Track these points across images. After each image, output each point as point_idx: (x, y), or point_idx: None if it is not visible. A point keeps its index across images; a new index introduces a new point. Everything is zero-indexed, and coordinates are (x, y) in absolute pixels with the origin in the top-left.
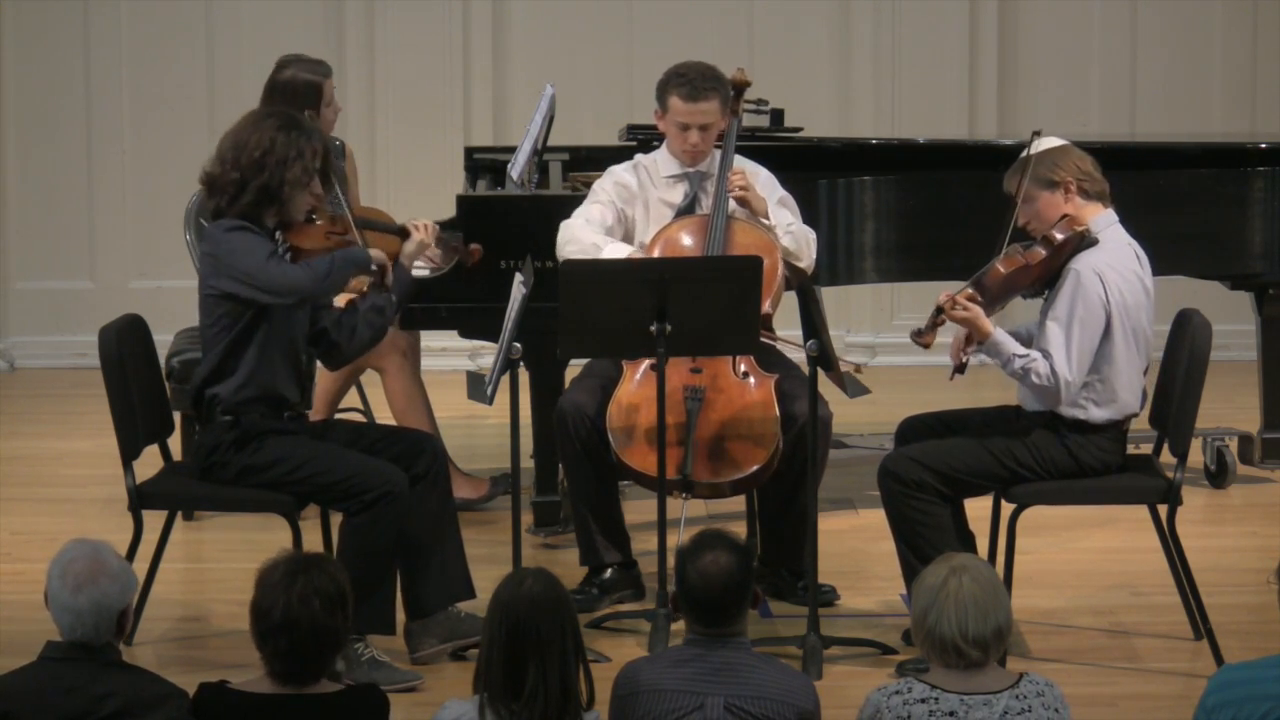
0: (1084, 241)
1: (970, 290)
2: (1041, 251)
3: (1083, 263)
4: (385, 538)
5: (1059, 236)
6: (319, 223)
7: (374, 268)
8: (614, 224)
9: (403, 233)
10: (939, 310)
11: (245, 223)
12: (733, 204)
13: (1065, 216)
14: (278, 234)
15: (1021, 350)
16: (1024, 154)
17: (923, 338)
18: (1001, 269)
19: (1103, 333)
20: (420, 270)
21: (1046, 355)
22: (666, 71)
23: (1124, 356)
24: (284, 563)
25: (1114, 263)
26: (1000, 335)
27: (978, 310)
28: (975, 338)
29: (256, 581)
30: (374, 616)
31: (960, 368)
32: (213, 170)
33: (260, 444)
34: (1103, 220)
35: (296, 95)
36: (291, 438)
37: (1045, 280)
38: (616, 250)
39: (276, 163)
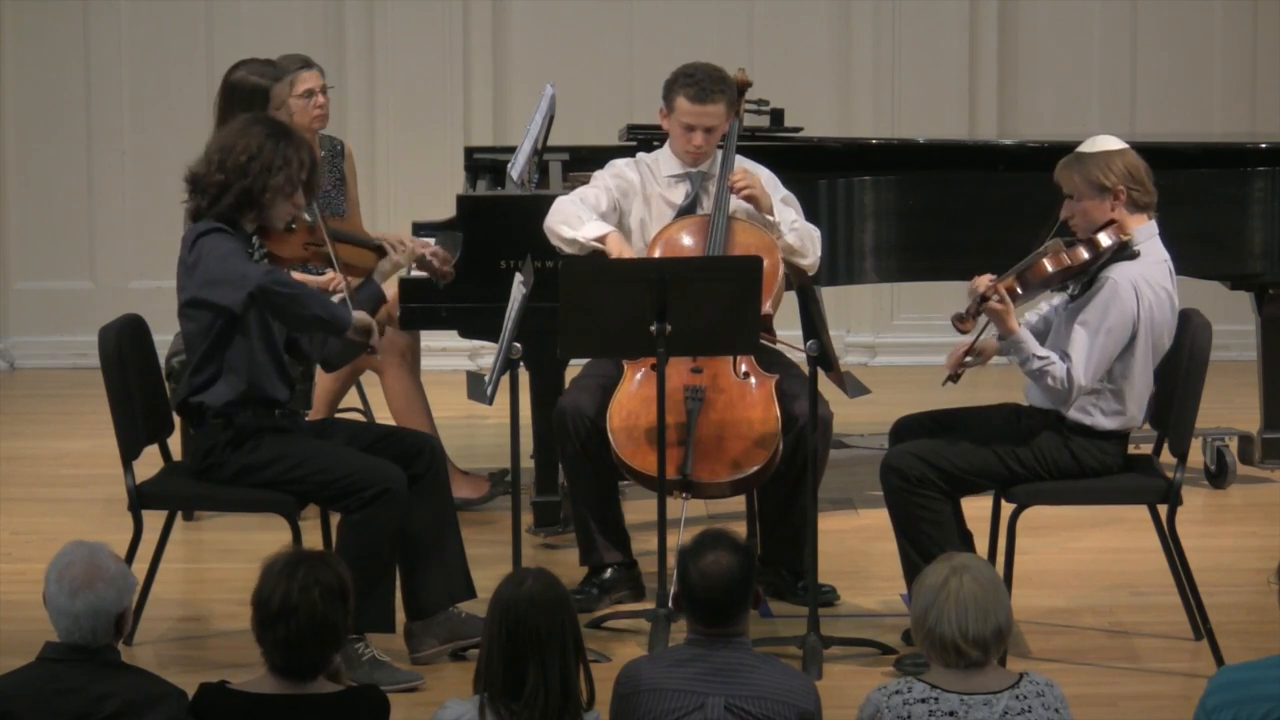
0: (1126, 253)
1: (1013, 282)
2: (1084, 254)
3: (1122, 274)
4: (384, 535)
5: (1105, 243)
6: (297, 232)
7: (356, 323)
8: (608, 210)
9: (379, 250)
10: (983, 298)
11: (219, 225)
12: (738, 201)
13: (1112, 223)
14: (254, 239)
15: (1041, 351)
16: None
17: (964, 324)
18: (1049, 267)
19: (1126, 345)
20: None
21: (1065, 358)
22: (675, 71)
23: (1140, 373)
24: (286, 554)
25: (1151, 279)
26: (1024, 334)
27: (1010, 305)
28: (999, 331)
29: (259, 574)
30: (374, 615)
31: (955, 377)
32: (198, 170)
33: (257, 443)
34: (1145, 232)
35: (243, 98)
36: (288, 436)
37: (1075, 278)
38: (595, 227)
39: (261, 169)
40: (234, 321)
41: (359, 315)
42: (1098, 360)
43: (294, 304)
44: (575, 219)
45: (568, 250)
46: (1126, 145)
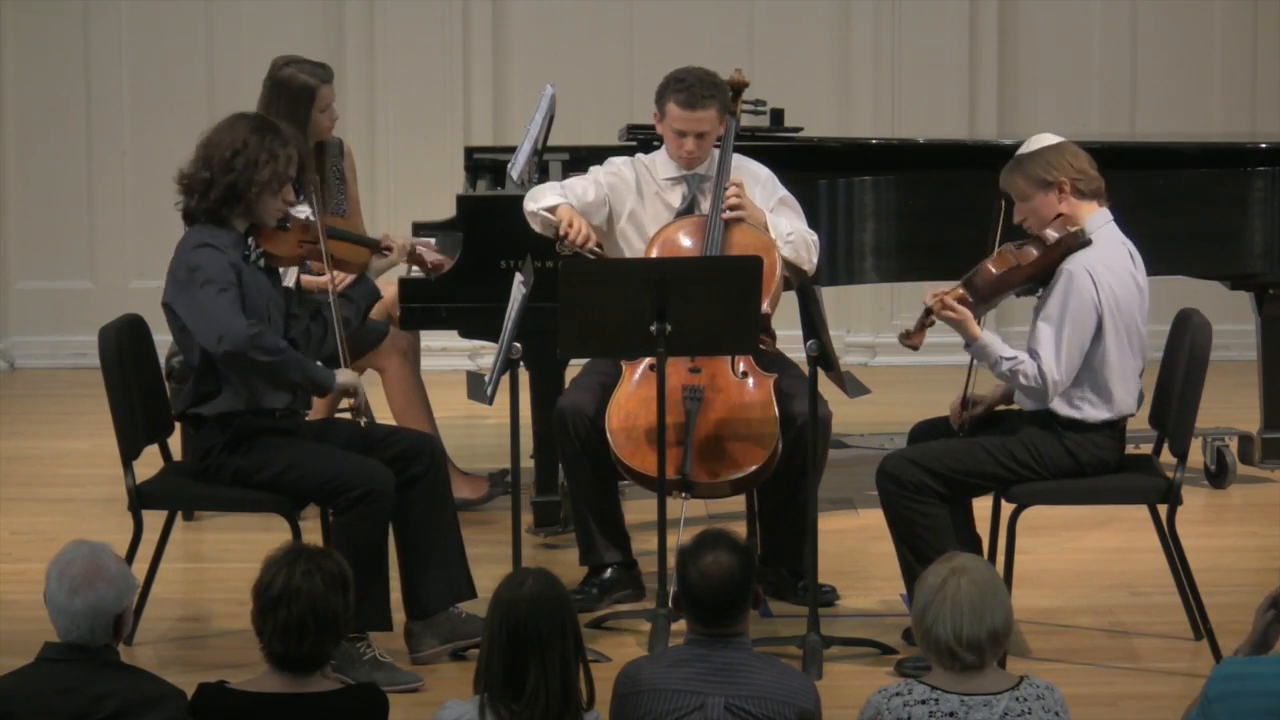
0: (1077, 242)
1: (961, 291)
2: (1034, 252)
3: (1075, 263)
4: (373, 536)
5: (1052, 236)
6: (292, 230)
7: (337, 388)
8: (595, 201)
9: (374, 246)
10: (928, 311)
11: (212, 239)
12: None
13: (1060, 216)
14: (250, 239)
15: (1009, 352)
16: (1019, 151)
17: (911, 339)
18: (993, 269)
19: (1094, 333)
20: (418, 272)
21: (1034, 355)
22: (666, 76)
23: (1118, 357)
24: (287, 546)
25: (1107, 261)
26: (987, 337)
27: (966, 312)
28: (963, 339)
29: (261, 568)
30: (370, 613)
31: (963, 428)
32: (187, 170)
33: (251, 446)
34: (1097, 219)
35: (290, 95)
36: (281, 439)
37: (1038, 279)
38: (550, 199)
39: (247, 164)
40: None
41: (343, 377)
42: (1067, 351)
43: (271, 370)
44: (541, 194)
45: (534, 226)
46: (1064, 139)
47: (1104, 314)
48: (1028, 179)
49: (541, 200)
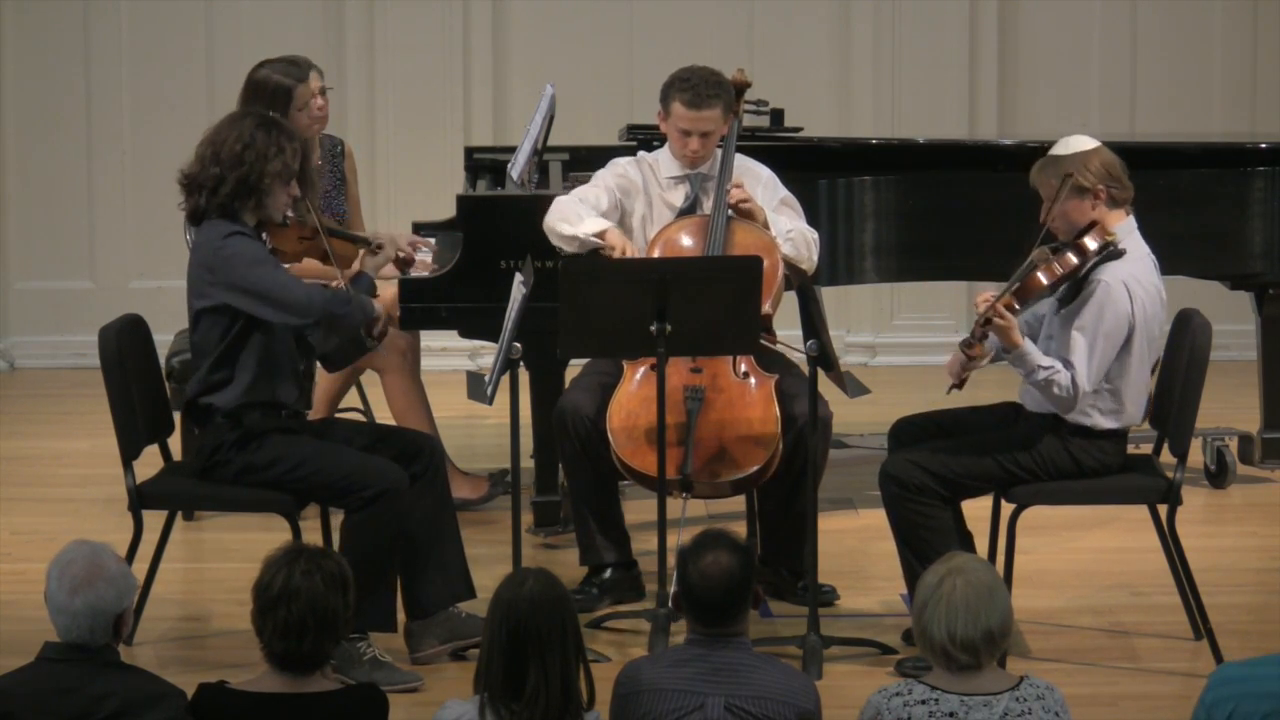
0: (1111, 251)
1: (1010, 299)
2: (1074, 260)
3: (1112, 274)
4: (385, 535)
5: (1091, 245)
6: (291, 226)
7: (375, 316)
8: (609, 209)
9: (365, 244)
10: (988, 320)
11: (236, 226)
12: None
13: (1095, 224)
14: (264, 235)
15: (1046, 361)
16: (1053, 151)
17: (972, 349)
18: (1044, 279)
19: (1121, 345)
20: (419, 272)
21: (1068, 365)
22: (672, 75)
23: (1136, 370)
24: (287, 546)
25: (1140, 276)
26: (1029, 346)
27: (1014, 320)
28: (1004, 346)
29: (261, 567)
30: (375, 613)
31: (960, 384)
32: (191, 170)
33: (261, 443)
34: (1124, 229)
35: (265, 96)
36: (292, 436)
37: (1063, 283)
38: (594, 223)
39: (256, 157)
40: (253, 324)
41: (377, 304)
42: (1098, 364)
43: (347, 319)
44: (574, 216)
45: (567, 249)
46: (1099, 143)
47: (1135, 329)
48: (1062, 182)
49: (581, 225)
